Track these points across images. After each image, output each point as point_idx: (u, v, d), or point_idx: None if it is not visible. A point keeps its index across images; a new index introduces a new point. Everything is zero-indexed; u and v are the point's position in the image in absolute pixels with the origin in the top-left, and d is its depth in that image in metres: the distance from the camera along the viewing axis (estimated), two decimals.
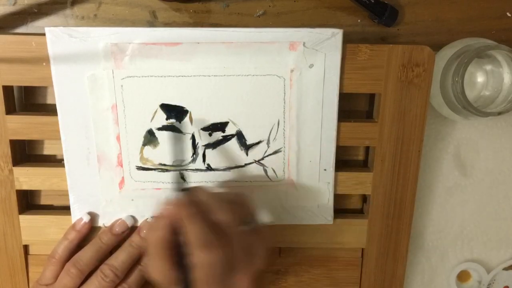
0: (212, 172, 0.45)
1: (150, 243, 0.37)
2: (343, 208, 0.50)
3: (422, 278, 0.55)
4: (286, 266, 0.50)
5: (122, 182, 0.45)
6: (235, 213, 0.38)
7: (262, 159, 0.45)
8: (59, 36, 0.41)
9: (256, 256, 0.39)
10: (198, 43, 0.41)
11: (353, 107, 0.48)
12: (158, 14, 0.46)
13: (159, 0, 0.45)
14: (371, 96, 0.47)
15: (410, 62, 0.43)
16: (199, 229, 0.36)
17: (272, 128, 0.44)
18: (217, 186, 0.46)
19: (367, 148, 0.49)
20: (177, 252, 0.37)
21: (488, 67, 0.45)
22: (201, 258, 0.35)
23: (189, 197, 0.38)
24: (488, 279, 0.54)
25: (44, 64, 0.42)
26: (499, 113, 0.43)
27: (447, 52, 0.44)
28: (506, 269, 0.55)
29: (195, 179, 0.46)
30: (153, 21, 0.46)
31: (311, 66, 0.43)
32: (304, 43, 0.42)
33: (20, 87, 0.46)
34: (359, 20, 0.47)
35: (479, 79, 0.46)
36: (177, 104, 0.43)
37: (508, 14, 0.48)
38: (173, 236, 0.37)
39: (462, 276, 0.55)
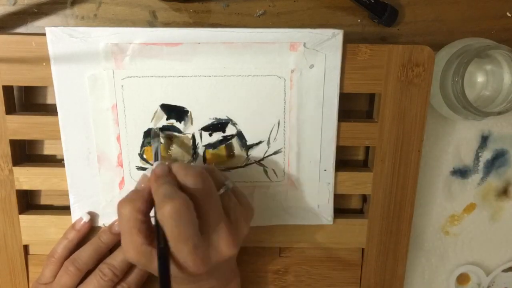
0: None
1: (122, 218, 0.36)
2: (343, 208, 0.50)
3: (422, 278, 0.55)
4: (286, 266, 0.50)
5: (122, 182, 0.45)
6: (204, 178, 0.38)
7: (262, 159, 0.45)
8: (59, 36, 0.41)
9: (238, 219, 0.40)
10: (199, 43, 0.41)
11: (353, 107, 0.48)
12: (158, 14, 0.46)
13: (159, 0, 0.45)
14: (371, 96, 0.47)
15: (410, 62, 0.43)
16: (163, 187, 0.36)
17: (272, 129, 0.44)
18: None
19: (367, 148, 0.49)
20: (151, 229, 0.37)
21: (488, 67, 0.45)
22: (164, 211, 0.34)
23: (161, 168, 0.38)
24: (487, 282, 0.54)
25: (44, 64, 0.42)
26: (499, 113, 0.43)
27: (447, 52, 0.44)
28: (505, 271, 0.55)
29: None
30: (153, 21, 0.46)
31: (311, 66, 0.43)
32: (304, 44, 0.42)
33: (20, 87, 0.46)
34: (359, 20, 0.47)
35: (479, 79, 0.46)
36: (178, 104, 0.43)
37: (508, 14, 0.48)
38: (147, 211, 0.37)
39: (461, 279, 0.55)
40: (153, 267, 0.36)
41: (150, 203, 0.37)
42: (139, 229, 0.36)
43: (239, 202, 0.41)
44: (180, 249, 0.35)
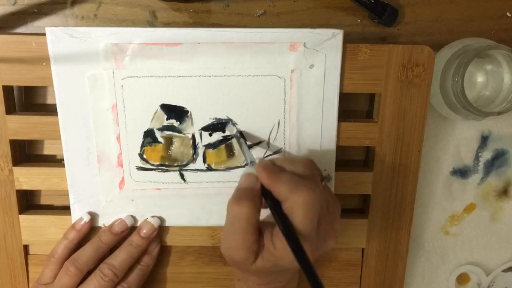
0: (212, 172, 0.45)
1: (239, 217, 0.35)
2: (343, 208, 0.50)
3: (423, 278, 0.55)
4: None
5: (122, 182, 0.45)
6: (313, 167, 0.37)
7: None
8: (59, 36, 0.41)
9: (335, 213, 0.38)
10: (199, 43, 0.41)
11: (353, 107, 0.48)
12: (158, 14, 0.46)
13: (159, 0, 0.45)
14: (371, 96, 0.47)
15: (410, 62, 0.43)
16: (288, 177, 0.34)
17: (272, 129, 0.44)
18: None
19: (367, 148, 0.49)
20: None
21: (488, 67, 0.45)
22: (298, 198, 0.33)
23: (266, 162, 0.37)
24: (487, 282, 0.54)
25: (44, 64, 0.42)
26: (499, 113, 0.43)
27: (447, 52, 0.44)
28: (505, 271, 0.55)
29: (195, 179, 0.46)
30: (153, 21, 0.46)
31: (311, 66, 0.43)
32: (304, 44, 0.42)
33: (20, 87, 0.46)
34: (359, 20, 0.47)
35: (479, 79, 0.46)
36: (178, 104, 0.43)
37: (508, 14, 0.48)
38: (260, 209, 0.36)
39: (461, 279, 0.55)
40: (254, 265, 0.35)
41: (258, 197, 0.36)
42: (255, 227, 0.35)
43: (332, 195, 0.40)
44: (307, 237, 0.33)
